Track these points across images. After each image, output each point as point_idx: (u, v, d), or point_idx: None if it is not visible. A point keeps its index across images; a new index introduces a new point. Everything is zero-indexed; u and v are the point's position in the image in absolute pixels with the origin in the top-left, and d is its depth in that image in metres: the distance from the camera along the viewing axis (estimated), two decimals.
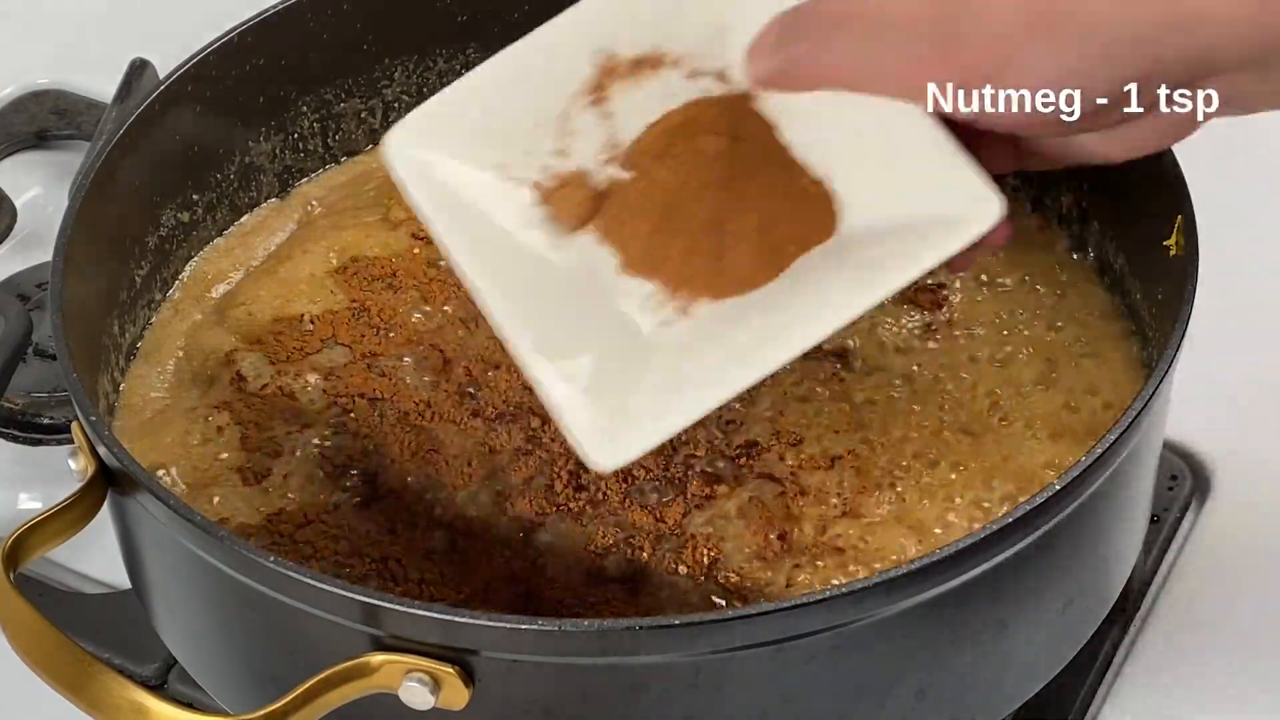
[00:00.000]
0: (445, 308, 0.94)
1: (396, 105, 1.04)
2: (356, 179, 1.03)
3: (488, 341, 0.92)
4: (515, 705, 0.75)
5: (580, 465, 0.87)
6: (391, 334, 0.93)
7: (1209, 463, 1.01)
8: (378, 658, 0.74)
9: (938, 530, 0.84)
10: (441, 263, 0.96)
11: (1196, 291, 0.82)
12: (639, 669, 0.74)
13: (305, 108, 1.01)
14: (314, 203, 1.01)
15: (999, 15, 0.71)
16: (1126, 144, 0.75)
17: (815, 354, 0.90)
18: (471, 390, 0.90)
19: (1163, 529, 0.98)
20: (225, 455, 0.89)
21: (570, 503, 0.86)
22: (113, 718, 0.75)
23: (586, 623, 0.74)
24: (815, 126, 0.77)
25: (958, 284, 0.94)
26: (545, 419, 0.88)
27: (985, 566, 0.75)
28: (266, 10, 0.98)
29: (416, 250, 0.97)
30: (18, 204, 1.16)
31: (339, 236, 0.98)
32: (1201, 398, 0.99)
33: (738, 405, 0.89)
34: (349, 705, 0.75)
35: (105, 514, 0.82)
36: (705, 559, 0.84)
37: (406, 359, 0.92)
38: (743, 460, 0.87)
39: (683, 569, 0.83)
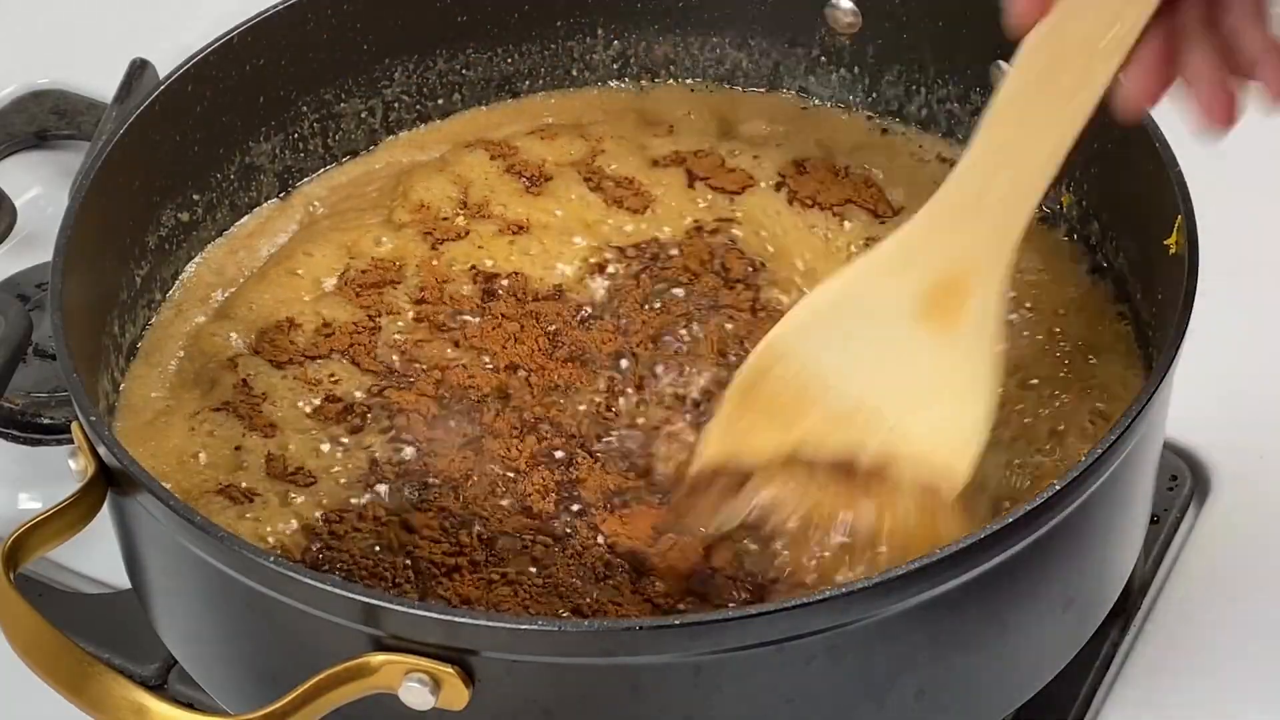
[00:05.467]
0: (453, 310, 0.94)
1: (396, 105, 1.04)
2: (358, 179, 1.03)
3: (495, 345, 0.92)
4: (515, 705, 0.75)
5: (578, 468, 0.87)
6: (397, 336, 0.93)
7: (1209, 463, 1.01)
8: (378, 658, 0.74)
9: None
10: (452, 264, 0.96)
11: (1196, 291, 0.82)
12: (639, 669, 0.74)
13: (305, 108, 1.01)
14: (316, 203, 1.01)
15: None
16: None
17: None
18: (484, 395, 0.90)
19: (1163, 529, 0.98)
20: (226, 456, 0.89)
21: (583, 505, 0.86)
22: (113, 718, 0.75)
23: (586, 623, 0.75)
24: None
25: None
26: (560, 423, 0.89)
27: (985, 566, 0.75)
28: (266, 10, 0.98)
29: (420, 251, 0.97)
30: (18, 204, 1.16)
31: (342, 237, 0.98)
32: (1201, 398, 0.99)
33: None
34: (349, 705, 0.75)
35: (105, 514, 0.82)
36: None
37: (414, 361, 0.92)
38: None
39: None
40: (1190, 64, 0.77)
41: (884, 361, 0.81)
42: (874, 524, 0.81)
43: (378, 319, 0.94)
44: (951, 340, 0.80)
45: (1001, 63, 0.96)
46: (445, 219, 0.98)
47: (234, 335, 0.94)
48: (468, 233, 0.98)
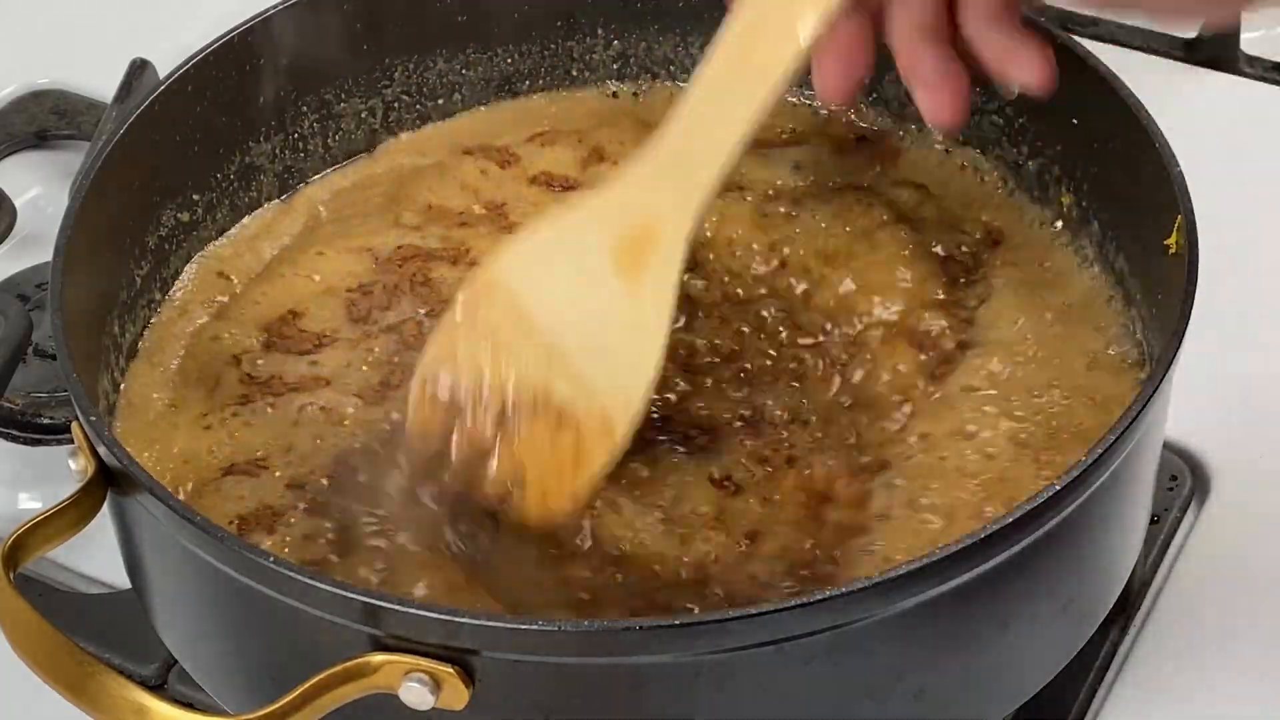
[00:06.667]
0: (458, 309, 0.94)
1: (396, 105, 1.04)
2: (361, 183, 1.02)
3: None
4: (515, 705, 0.75)
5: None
6: (405, 335, 0.93)
7: (1209, 463, 1.01)
8: (378, 658, 0.74)
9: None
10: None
11: (1196, 291, 0.82)
12: (639, 669, 0.74)
13: (305, 108, 1.01)
14: (320, 207, 1.01)
15: None
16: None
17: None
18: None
19: (1163, 529, 0.98)
20: (227, 455, 0.89)
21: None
22: (113, 718, 0.75)
23: (586, 623, 0.75)
24: None
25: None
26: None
27: (985, 566, 0.75)
28: (266, 10, 0.98)
29: (428, 250, 0.97)
30: (18, 204, 1.16)
31: (349, 240, 0.98)
32: (1201, 398, 0.99)
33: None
34: (349, 705, 0.75)
35: (105, 514, 0.82)
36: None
37: (421, 359, 0.92)
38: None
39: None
40: (914, 63, 0.84)
41: (577, 303, 0.87)
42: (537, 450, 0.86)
43: (388, 313, 0.94)
44: (636, 288, 0.86)
45: None
46: (461, 212, 0.98)
47: (240, 335, 0.94)
48: (491, 219, 0.98)
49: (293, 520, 0.85)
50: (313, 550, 0.84)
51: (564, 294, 0.86)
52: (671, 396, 0.90)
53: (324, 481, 0.87)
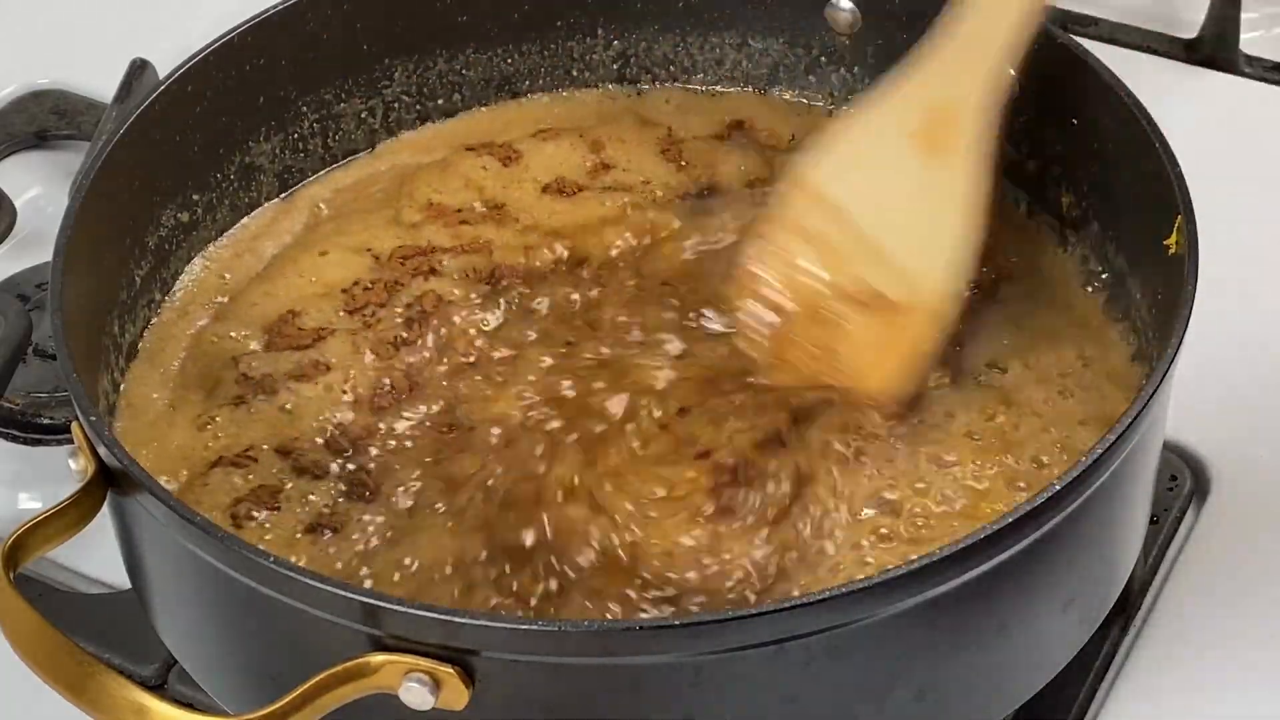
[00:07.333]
0: (469, 306, 0.94)
1: (396, 105, 1.04)
2: (361, 181, 1.02)
3: (504, 342, 0.92)
4: (515, 705, 0.75)
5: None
6: (407, 334, 0.93)
7: (1209, 463, 1.01)
8: (378, 658, 0.74)
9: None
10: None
11: (1196, 291, 0.82)
12: (639, 669, 0.74)
13: (305, 108, 1.01)
14: (321, 205, 1.01)
15: None
16: None
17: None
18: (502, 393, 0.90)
19: (1163, 529, 0.98)
20: (218, 449, 0.89)
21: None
22: (113, 718, 0.75)
23: (586, 623, 0.75)
24: None
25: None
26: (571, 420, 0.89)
27: (985, 567, 0.75)
28: (266, 10, 0.98)
29: (430, 247, 0.97)
30: (18, 204, 1.16)
31: (350, 238, 0.98)
32: (1201, 398, 0.99)
33: None
34: (349, 705, 0.75)
35: (105, 514, 0.82)
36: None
37: (425, 359, 0.92)
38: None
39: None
40: None
41: (889, 194, 0.89)
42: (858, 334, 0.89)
43: (390, 311, 0.94)
44: (943, 168, 0.89)
45: None
46: (460, 210, 0.98)
47: (240, 335, 0.94)
48: (494, 220, 0.98)
49: (294, 491, 0.86)
50: (334, 512, 0.86)
51: (875, 188, 0.89)
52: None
53: (319, 443, 0.88)
